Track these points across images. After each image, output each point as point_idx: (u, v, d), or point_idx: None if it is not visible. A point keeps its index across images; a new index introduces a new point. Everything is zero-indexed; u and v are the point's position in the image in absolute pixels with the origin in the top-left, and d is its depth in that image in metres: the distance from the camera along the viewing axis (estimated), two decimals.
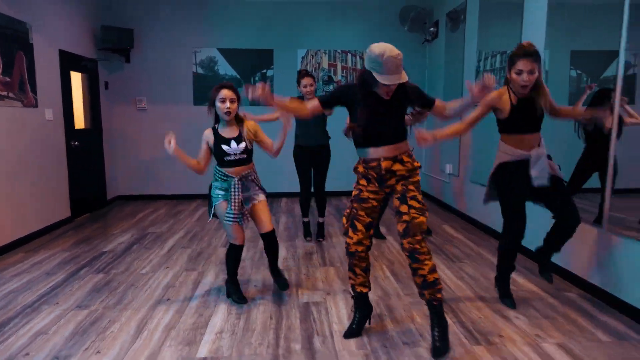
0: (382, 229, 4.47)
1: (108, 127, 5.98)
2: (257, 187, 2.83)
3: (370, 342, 2.31)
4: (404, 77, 2.02)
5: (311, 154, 4.02)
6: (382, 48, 1.97)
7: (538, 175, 2.51)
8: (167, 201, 6.18)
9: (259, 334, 2.41)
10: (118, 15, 5.94)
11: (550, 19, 3.43)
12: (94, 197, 5.63)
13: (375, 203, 2.24)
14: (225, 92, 2.67)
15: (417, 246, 2.07)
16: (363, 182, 2.25)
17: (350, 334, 2.36)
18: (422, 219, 2.09)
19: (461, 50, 5.11)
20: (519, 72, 2.41)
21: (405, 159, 2.18)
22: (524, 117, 2.52)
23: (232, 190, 2.68)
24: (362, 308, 2.38)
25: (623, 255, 2.60)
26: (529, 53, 2.39)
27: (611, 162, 2.71)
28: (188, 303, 2.81)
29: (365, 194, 2.23)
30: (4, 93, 3.89)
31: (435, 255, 3.75)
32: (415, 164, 2.21)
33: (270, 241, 2.83)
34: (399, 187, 2.16)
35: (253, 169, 2.83)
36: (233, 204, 2.66)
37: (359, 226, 2.22)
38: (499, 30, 4.50)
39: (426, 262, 2.09)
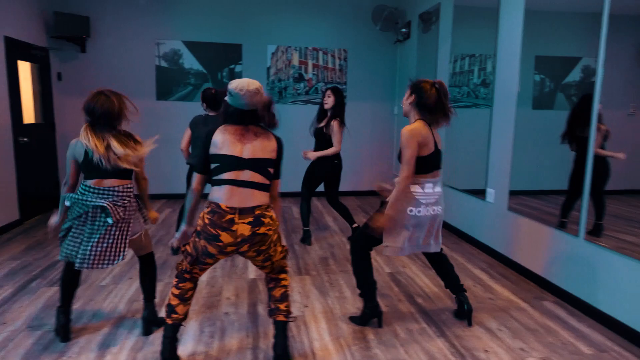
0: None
1: (61, 122, 5.54)
2: None
3: None
4: None
5: None
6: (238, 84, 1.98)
7: None
8: None
9: (236, 356, 2.24)
10: (73, 1, 5.49)
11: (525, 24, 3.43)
12: (45, 197, 5.20)
13: None
14: None
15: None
16: None
17: None
18: None
19: (434, 51, 5.08)
20: None
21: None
22: None
23: None
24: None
25: (599, 264, 2.63)
26: None
27: (589, 169, 2.73)
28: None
29: None
30: None
31: (411, 261, 3.70)
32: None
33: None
34: None
35: None
36: None
37: None
38: (473, 34, 4.50)
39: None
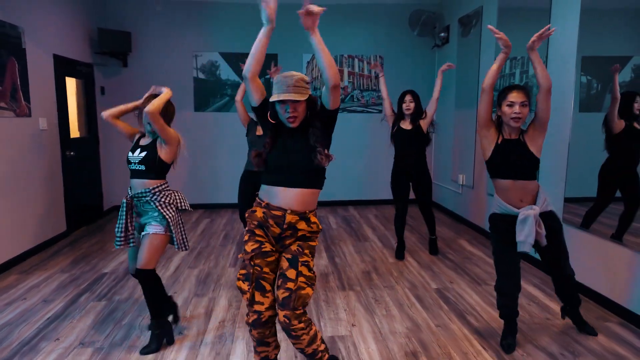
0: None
1: (104, 135, 5.70)
2: (157, 215, 2.37)
3: None
4: (298, 97, 1.79)
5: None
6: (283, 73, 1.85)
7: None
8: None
9: None
10: (115, 17, 5.65)
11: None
12: (90, 208, 5.35)
13: (277, 255, 1.92)
14: None
15: (295, 322, 1.81)
16: (260, 231, 1.91)
17: None
18: (308, 290, 1.82)
19: (476, 55, 4.92)
20: (511, 104, 2.24)
21: (312, 218, 1.91)
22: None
23: (120, 209, 2.42)
24: None
25: None
26: (520, 87, 2.31)
27: None
28: (202, 338, 2.57)
29: (268, 247, 1.90)
30: None
31: (457, 275, 3.55)
32: (320, 226, 1.94)
33: (140, 280, 2.39)
34: (293, 247, 1.88)
35: (160, 191, 2.39)
36: (121, 225, 2.40)
37: (267, 286, 1.87)
38: (516, 36, 4.32)
39: (303, 337, 1.85)
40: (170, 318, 2.56)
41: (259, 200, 1.94)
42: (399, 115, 3.90)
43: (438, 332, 2.62)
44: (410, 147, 3.82)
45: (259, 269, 1.86)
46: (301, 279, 1.81)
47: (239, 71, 6.00)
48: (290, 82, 1.80)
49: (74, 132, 5.11)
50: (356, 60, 6.16)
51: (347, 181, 6.27)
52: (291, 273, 1.82)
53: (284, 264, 1.87)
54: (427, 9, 5.78)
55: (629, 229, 2.80)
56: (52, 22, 4.51)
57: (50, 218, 4.40)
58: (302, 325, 1.83)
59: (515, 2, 4.24)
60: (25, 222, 3.98)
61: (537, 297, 3.12)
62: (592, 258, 3.06)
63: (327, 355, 1.96)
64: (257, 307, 1.85)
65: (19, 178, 3.89)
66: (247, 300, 1.86)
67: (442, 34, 5.76)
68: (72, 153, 4.83)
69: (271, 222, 1.88)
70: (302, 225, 1.87)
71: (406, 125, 3.85)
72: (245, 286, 1.86)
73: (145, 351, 2.39)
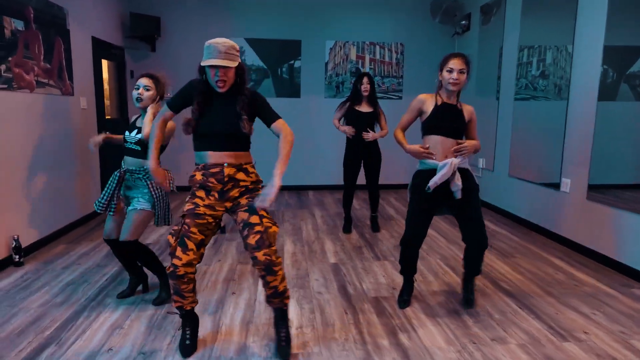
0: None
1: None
2: (146, 192, 2.53)
3: (457, 338, 2.29)
4: (228, 63, 1.91)
5: None
6: (213, 39, 1.94)
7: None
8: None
9: (340, 329, 2.37)
10: (145, 2, 5.80)
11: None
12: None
13: (211, 220, 2.03)
14: (141, 80, 2.58)
15: (274, 258, 1.97)
16: (201, 193, 2.05)
17: (186, 351, 2.12)
18: (274, 228, 2.01)
19: (496, 43, 5.06)
20: (450, 70, 2.40)
21: (250, 169, 2.07)
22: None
23: (111, 178, 2.59)
24: (191, 322, 2.18)
25: None
26: (461, 54, 2.44)
27: None
28: (255, 297, 2.76)
29: (202, 210, 2.02)
30: (45, 80, 3.78)
31: (487, 250, 3.72)
32: (259, 178, 2.11)
33: (128, 250, 2.58)
34: (243, 201, 2.04)
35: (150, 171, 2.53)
36: (108, 193, 2.57)
37: (190, 244, 1.96)
38: (535, 25, 4.46)
39: (279, 272, 2.01)
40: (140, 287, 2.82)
41: (196, 165, 2.07)
42: (355, 98, 3.97)
43: (475, 294, 2.81)
44: (365, 129, 3.94)
45: (186, 227, 1.98)
46: (265, 219, 1.99)
47: (263, 57, 6.16)
48: (222, 49, 1.91)
49: (108, 113, 5.28)
50: (377, 47, 6.30)
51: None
52: (254, 219, 1.98)
53: (243, 215, 2.01)
54: None
55: None
56: (91, 4, 4.67)
57: (89, 194, 4.59)
58: (279, 260, 2.00)
59: None
60: (68, 196, 4.16)
61: (562, 267, 3.30)
62: (619, 232, 3.24)
63: (289, 299, 2.13)
64: (174, 261, 1.96)
65: (63, 154, 4.07)
66: (169, 253, 2.00)
67: (463, 22, 5.90)
68: (107, 133, 4.99)
69: (212, 180, 2.01)
70: (241, 175, 2.02)
71: (363, 108, 3.96)
72: (172, 240, 1.99)
73: (156, 302, 2.64)
